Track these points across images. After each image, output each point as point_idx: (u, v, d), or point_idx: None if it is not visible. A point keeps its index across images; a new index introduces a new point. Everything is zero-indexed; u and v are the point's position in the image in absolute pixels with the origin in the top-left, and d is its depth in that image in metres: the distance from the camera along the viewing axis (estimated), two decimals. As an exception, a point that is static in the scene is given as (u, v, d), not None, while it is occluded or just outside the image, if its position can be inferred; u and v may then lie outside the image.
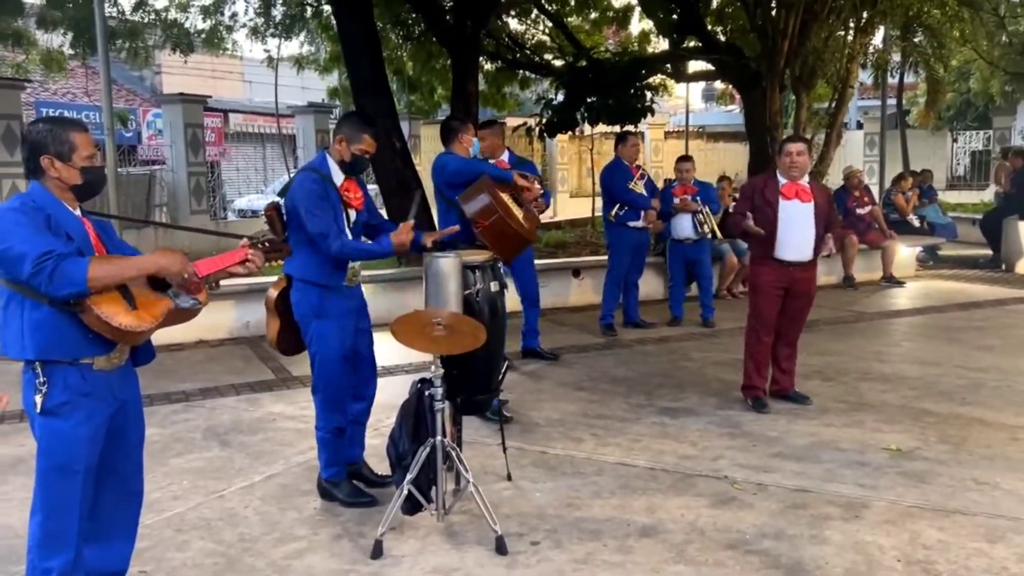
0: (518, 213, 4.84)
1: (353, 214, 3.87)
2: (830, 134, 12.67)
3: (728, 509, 3.85)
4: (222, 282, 2.94)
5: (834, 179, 13.06)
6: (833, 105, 13.05)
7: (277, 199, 3.89)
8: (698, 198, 7.96)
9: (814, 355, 6.63)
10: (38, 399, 2.52)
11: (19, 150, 11.45)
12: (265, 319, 4.00)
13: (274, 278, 4.17)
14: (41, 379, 2.52)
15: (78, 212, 2.67)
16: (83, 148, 2.62)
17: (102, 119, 9.55)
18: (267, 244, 3.00)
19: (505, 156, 6.15)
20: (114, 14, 11.27)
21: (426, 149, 18.47)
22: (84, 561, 2.70)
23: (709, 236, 8.04)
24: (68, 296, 2.43)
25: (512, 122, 18.07)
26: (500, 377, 4.13)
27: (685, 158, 8.16)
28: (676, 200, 7.92)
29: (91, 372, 2.59)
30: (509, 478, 4.18)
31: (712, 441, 4.79)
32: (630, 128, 10.31)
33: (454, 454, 3.62)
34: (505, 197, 4.90)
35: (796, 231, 5.27)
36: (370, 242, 3.86)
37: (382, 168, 9.76)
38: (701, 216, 7.92)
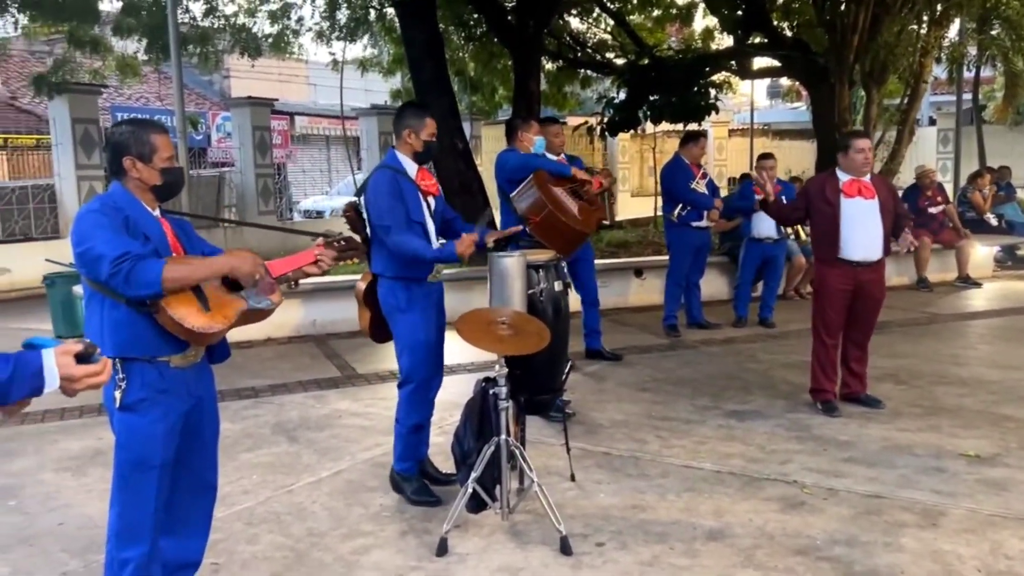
0: (572, 206, 4.84)
1: (432, 201, 3.94)
2: (902, 131, 12.31)
3: (797, 514, 3.76)
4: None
5: (906, 177, 12.68)
6: (905, 101, 12.66)
7: (355, 199, 3.96)
8: (782, 197, 7.74)
9: (886, 358, 6.44)
10: (117, 395, 2.60)
11: (96, 153, 11.92)
12: (357, 309, 4.12)
13: (356, 276, 4.29)
14: (120, 375, 2.59)
15: (157, 212, 2.74)
16: (163, 150, 2.69)
17: (174, 122, 9.84)
18: (342, 243, 3.06)
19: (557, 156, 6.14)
20: (186, 20, 11.55)
21: (487, 150, 18.52)
22: (160, 552, 2.77)
23: (791, 236, 7.85)
24: (143, 297, 2.49)
25: (573, 121, 18.02)
26: (563, 377, 4.12)
27: (767, 155, 7.93)
28: (757, 199, 7.72)
29: (168, 369, 2.66)
30: (573, 478, 4.16)
31: (780, 444, 4.69)
32: (697, 128, 10.14)
33: (518, 453, 3.62)
34: (560, 191, 4.90)
35: (861, 229, 5.12)
36: (437, 249, 3.87)
37: (444, 169, 9.82)
38: None
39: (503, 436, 3.48)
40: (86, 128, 12.00)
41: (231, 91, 22.09)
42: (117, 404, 2.61)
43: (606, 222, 6.32)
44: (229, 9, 12.63)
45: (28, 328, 8.62)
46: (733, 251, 8.90)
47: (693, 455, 4.52)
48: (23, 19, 11.30)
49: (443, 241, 3.93)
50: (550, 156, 5.95)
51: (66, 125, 11.89)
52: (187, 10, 11.59)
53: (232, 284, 2.72)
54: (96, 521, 3.74)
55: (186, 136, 9.66)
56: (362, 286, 4.05)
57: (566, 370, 4.09)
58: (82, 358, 1.82)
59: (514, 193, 4.87)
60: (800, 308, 8.41)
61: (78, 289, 7.60)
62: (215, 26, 12.32)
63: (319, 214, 18.91)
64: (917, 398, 5.52)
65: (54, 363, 1.78)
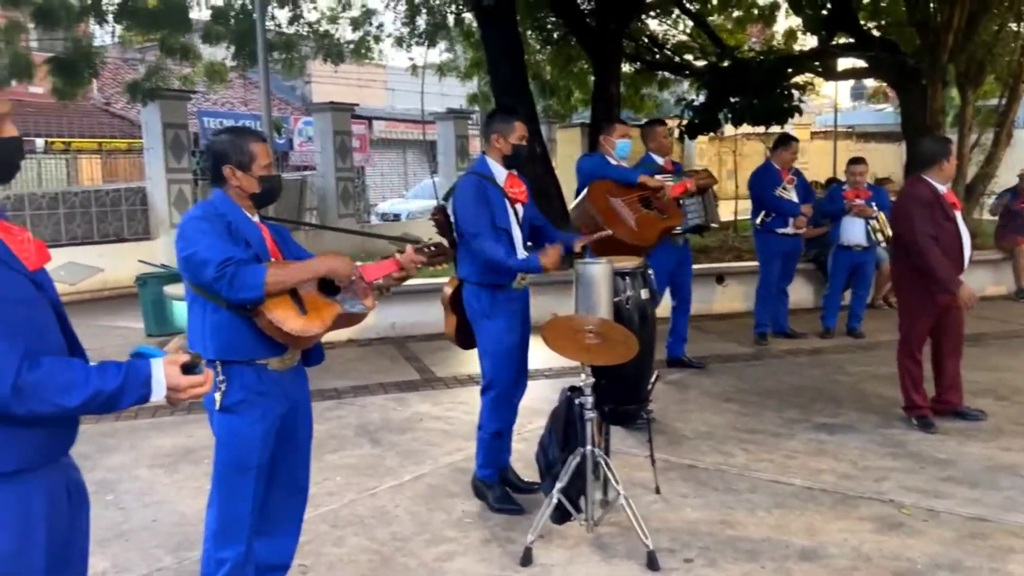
0: (630, 217, 4.74)
1: (520, 208, 3.92)
2: (999, 133, 11.78)
3: (896, 535, 3.61)
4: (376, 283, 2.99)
5: (1004, 180, 12.12)
6: (1003, 102, 12.12)
7: (443, 203, 3.98)
8: (872, 203, 7.46)
9: (983, 371, 6.15)
10: (217, 396, 2.65)
11: (185, 157, 12.31)
12: (441, 320, 4.15)
13: (436, 280, 4.30)
14: (220, 378, 2.65)
15: (256, 218, 2.79)
16: (262, 158, 2.75)
17: (260, 127, 10.09)
18: (432, 248, 3.08)
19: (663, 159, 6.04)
20: (271, 27, 11.86)
21: (562, 153, 18.49)
22: (254, 553, 2.82)
23: (883, 244, 7.57)
24: (245, 301, 2.54)
25: (651, 124, 17.81)
26: (649, 387, 4.04)
27: (857, 160, 7.66)
28: (845, 203, 7.47)
29: (266, 372, 2.70)
30: (658, 491, 4.08)
31: (874, 461, 4.51)
32: (788, 132, 9.90)
33: (604, 464, 3.56)
34: (621, 201, 4.81)
35: (966, 243, 4.91)
36: (519, 255, 3.85)
37: (521, 173, 9.79)
38: (876, 223, 7.42)
39: (588, 447, 3.42)
40: (176, 133, 12.41)
41: (312, 96, 22.60)
42: (217, 406, 2.67)
43: (714, 224, 6.14)
44: (313, 16, 12.85)
45: (120, 326, 8.95)
46: (819, 258, 8.65)
47: (782, 470, 4.39)
48: (119, 28, 11.77)
49: (527, 253, 3.91)
50: (656, 157, 5.90)
51: (157, 130, 12.31)
52: (273, 17, 11.89)
53: (327, 289, 2.76)
54: (188, 518, 3.83)
55: (272, 140, 9.88)
56: (448, 291, 4.06)
57: (652, 380, 4.01)
58: (187, 369, 1.87)
59: (574, 205, 4.85)
60: (890, 318, 8.05)
61: (169, 289, 7.85)
62: (299, 33, 12.61)
63: (395, 217, 19.16)
64: (1020, 415, 5.25)
65: (162, 373, 1.83)
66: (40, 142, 16.06)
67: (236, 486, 2.72)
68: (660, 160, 5.95)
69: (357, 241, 13.08)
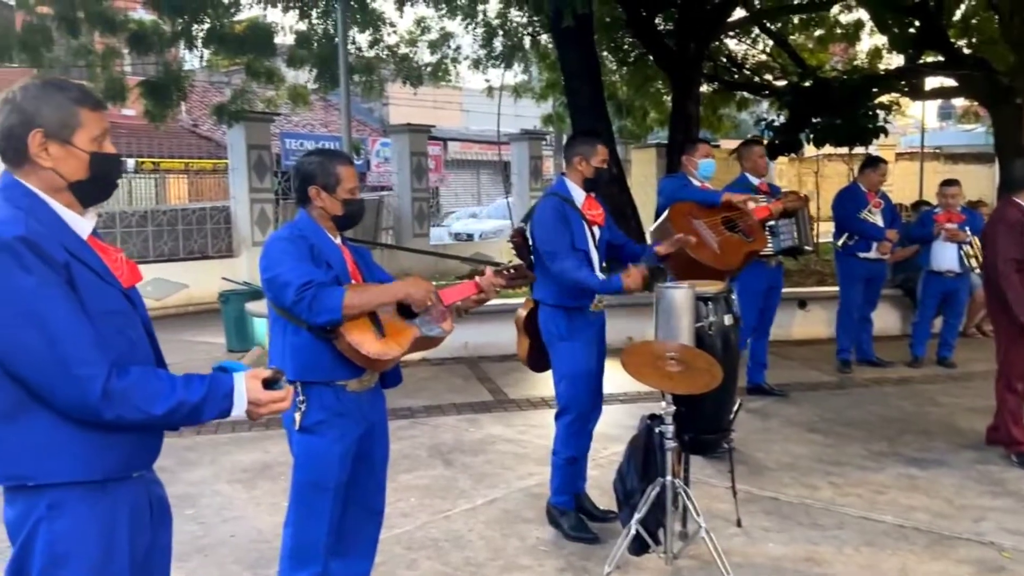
0: (712, 241, 4.59)
1: (597, 231, 3.88)
2: (1100, 154, 11.16)
3: (997, 581, 3.39)
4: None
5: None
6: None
7: (521, 225, 3.95)
8: (966, 227, 7.13)
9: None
10: (297, 416, 2.66)
11: (268, 177, 12.64)
12: (514, 341, 4.10)
13: (510, 301, 4.27)
14: (300, 398, 2.66)
15: (338, 240, 2.81)
16: (347, 181, 2.76)
17: (339, 148, 10.28)
18: (511, 271, 3.05)
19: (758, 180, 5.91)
20: (352, 51, 12.09)
21: (637, 174, 18.35)
22: (329, 574, 2.81)
23: (976, 269, 7.22)
24: (324, 323, 2.55)
25: (728, 144, 17.56)
26: (731, 416, 3.91)
27: (951, 182, 7.32)
28: (936, 226, 7.17)
29: (344, 393, 2.71)
30: (739, 524, 3.94)
31: (971, 499, 4.27)
32: (874, 152, 9.62)
33: (684, 495, 3.45)
34: (703, 223, 4.66)
35: None
36: (600, 275, 3.79)
37: (598, 194, 9.74)
38: (970, 248, 7.09)
39: (668, 477, 3.32)
40: (259, 154, 12.76)
41: (390, 118, 23.00)
42: (297, 426, 2.69)
43: (808, 248, 5.95)
44: (392, 40, 13.07)
45: (204, 341, 9.19)
46: (907, 284, 8.32)
47: (871, 505, 4.19)
48: (207, 53, 12.18)
49: (604, 275, 3.84)
50: (751, 178, 5.78)
51: (241, 151, 12.68)
52: (354, 41, 12.12)
53: (406, 311, 2.75)
54: (265, 535, 3.86)
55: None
56: (523, 313, 4.02)
57: (734, 409, 3.88)
58: (268, 384, 1.88)
59: (652, 227, 4.74)
60: (985, 347, 7.71)
61: (250, 306, 8.03)
62: (379, 56, 12.83)
63: (469, 237, 19.30)
64: None
65: (244, 387, 1.84)
66: (131, 162, 16.71)
67: (313, 506, 2.72)
68: (755, 181, 5.83)
69: (430, 260, 13.22)
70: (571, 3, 6.11)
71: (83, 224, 1.84)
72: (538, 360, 4.01)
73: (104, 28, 10.39)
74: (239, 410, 1.85)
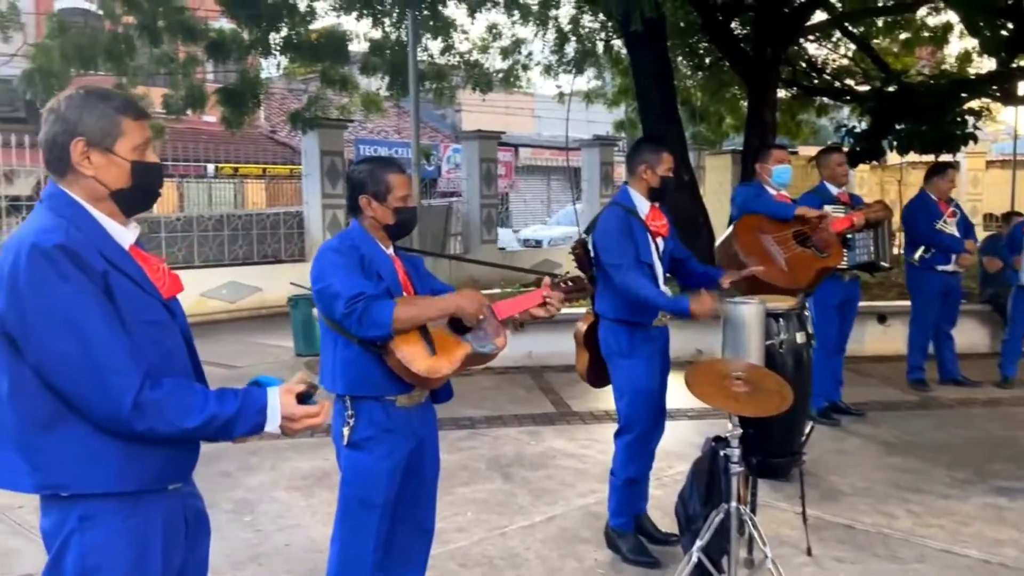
0: (780, 258, 4.34)
1: (661, 242, 3.73)
2: None
3: (1096, 628, 3.12)
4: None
5: None
6: None
7: (584, 236, 3.83)
8: None
9: None
10: (345, 431, 2.61)
11: (340, 183, 12.81)
12: (574, 353, 3.97)
13: (576, 310, 4.15)
14: (349, 412, 2.61)
15: (390, 251, 2.75)
16: (398, 189, 2.70)
17: (410, 155, 10.34)
18: (569, 283, 2.95)
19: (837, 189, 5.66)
20: (424, 58, 12.16)
21: (711, 180, 17.99)
22: (377, 592, 2.74)
23: None
24: (374, 338, 2.50)
25: (807, 151, 17.05)
26: (803, 439, 3.72)
27: None
28: None
29: (394, 409, 2.64)
30: (809, 552, 3.73)
31: (1066, 535, 3.96)
32: (947, 158, 9.17)
33: (749, 522, 3.27)
34: (771, 239, 4.42)
35: None
36: (667, 291, 3.63)
37: (669, 202, 9.53)
38: None
39: (733, 503, 3.15)
40: (332, 160, 12.94)
41: (462, 124, 23.13)
42: (345, 441, 2.64)
43: (884, 264, 5.65)
44: (464, 47, 13.12)
45: (273, 344, 9.33)
46: (996, 299, 7.88)
47: (954, 538, 3.92)
48: (284, 61, 12.42)
49: (667, 288, 3.70)
50: (830, 187, 5.55)
51: (315, 157, 12.89)
52: (426, 48, 12.19)
53: (458, 325, 2.67)
54: (319, 545, 3.83)
55: (420, 168, 10.09)
56: (582, 327, 3.89)
57: (806, 431, 3.69)
58: (303, 398, 1.84)
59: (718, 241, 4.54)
60: (1081, 368, 7.27)
61: (317, 311, 8.11)
62: (450, 63, 12.88)
63: (537, 243, 19.23)
64: None
65: (277, 402, 1.82)
66: (211, 167, 17.17)
67: (360, 523, 2.66)
68: (835, 190, 5.58)
69: (502, 259, 13.18)
70: (639, 6, 5.96)
71: (125, 234, 1.84)
72: (598, 375, 3.89)
73: (185, 37, 10.67)
74: (272, 425, 1.82)
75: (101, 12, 10.36)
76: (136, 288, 1.78)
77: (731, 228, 4.47)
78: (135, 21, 9.86)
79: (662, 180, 3.70)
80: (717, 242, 4.51)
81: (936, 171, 6.80)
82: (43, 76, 8.82)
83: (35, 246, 1.66)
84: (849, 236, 5.18)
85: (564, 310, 7.19)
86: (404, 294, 2.65)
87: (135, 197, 1.85)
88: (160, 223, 12.07)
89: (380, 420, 2.63)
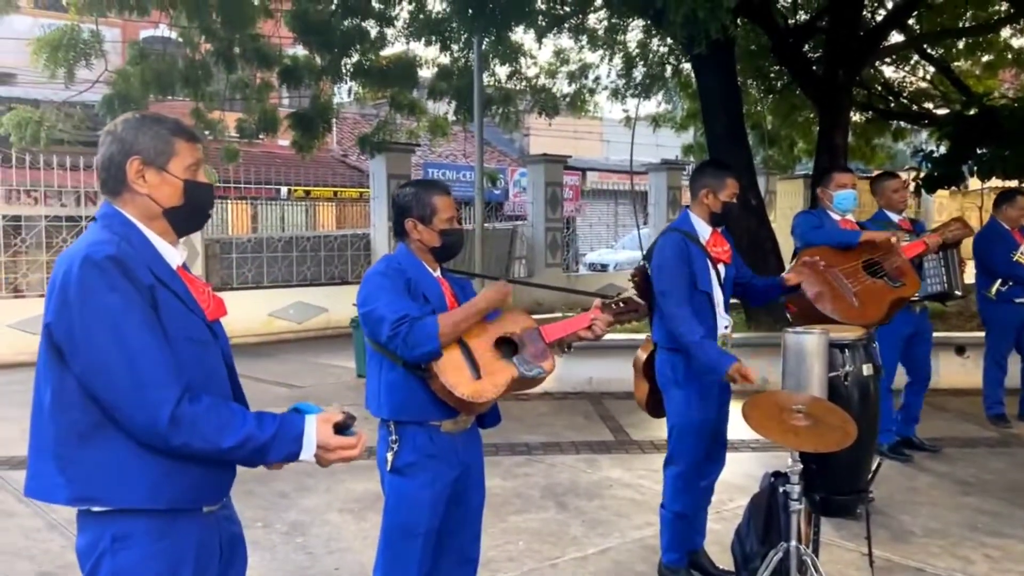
0: (849, 292, 4.12)
1: (723, 269, 3.62)
2: None
3: None
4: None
5: None
6: None
7: (644, 263, 3.74)
8: None
9: None
10: (389, 456, 2.59)
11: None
12: (633, 380, 3.89)
13: (637, 336, 4.06)
14: (393, 437, 2.59)
15: (437, 273, 2.74)
16: (443, 211, 2.68)
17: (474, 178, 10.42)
18: (621, 304, 2.87)
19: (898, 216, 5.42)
20: (491, 83, 12.25)
21: (781, 205, 17.65)
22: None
23: None
24: (422, 357, 2.47)
25: (882, 177, 16.58)
26: (870, 476, 3.54)
27: None
28: None
29: (438, 434, 2.61)
30: (876, 597, 3.55)
31: None
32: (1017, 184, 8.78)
33: (810, 563, 3.12)
34: (840, 271, 4.20)
35: None
36: (707, 344, 3.42)
37: (736, 226, 9.31)
38: None
39: (792, 543, 3.01)
40: (399, 183, 13.11)
41: (530, 148, 23.23)
42: (388, 466, 2.62)
43: (958, 293, 5.39)
44: (531, 71, 13.17)
45: (337, 365, 9.43)
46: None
47: (1035, 588, 3.68)
48: (355, 86, 12.67)
49: (728, 317, 3.59)
50: (890, 214, 5.34)
51: (382, 180, 13.09)
52: (493, 73, 12.28)
53: (505, 348, 2.62)
54: (367, 570, 3.77)
55: (483, 191, 10.13)
56: (642, 356, 3.80)
57: (874, 467, 3.51)
58: (340, 429, 1.82)
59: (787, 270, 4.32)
60: None
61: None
62: (517, 88, 12.94)
63: (603, 267, 19.09)
64: None
65: (314, 431, 1.79)
66: (284, 190, 17.61)
67: (402, 552, 2.62)
68: (895, 217, 5.36)
69: (567, 283, 13.11)
70: (705, 29, 5.87)
71: (174, 254, 1.89)
72: (658, 405, 3.78)
73: (260, 63, 10.98)
74: (308, 454, 1.80)
75: (181, 40, 10.74)
76: (181, 305, 1.80)
77: (794, 262, 4.28)
78: (212, 48, 10.19)
79: (724, 205, 3.60)
80: (787, 269, 4.31)
81: (1005, 198, 6.50)
82: (122, 101, 9.15)
83: (87, 257, 1.70)
84: (920, 265, 4.94)
85: (624, 336, 7.06)
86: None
87: (187, 216, 1.90)
88: (232, 244, 12.40)
89: (424, 446, 2.59)
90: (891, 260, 4.38)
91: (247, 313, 11.09)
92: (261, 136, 12.17)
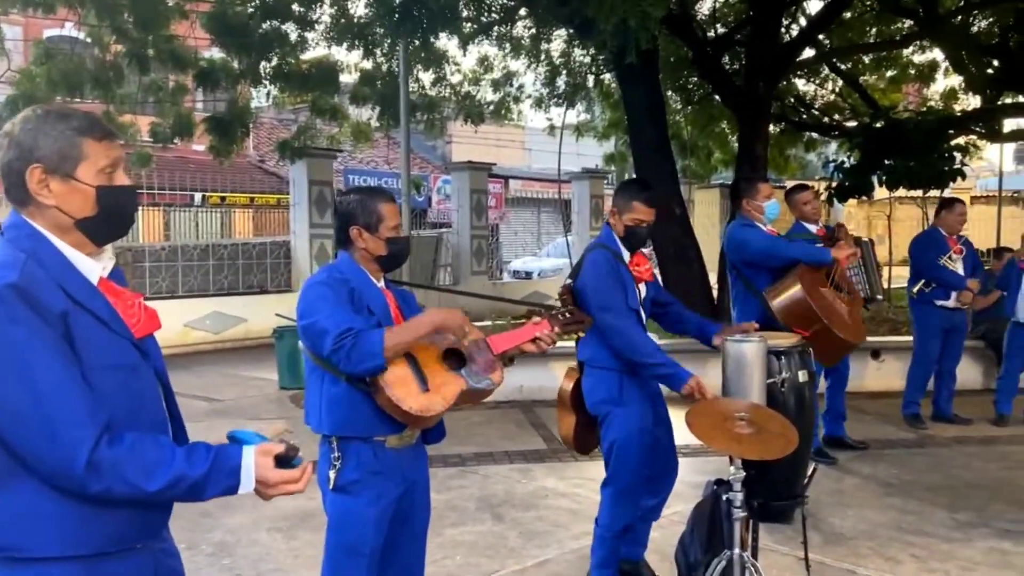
0: (843, 309, 4.15)
1: (643, 288, 3.60)
2: None
3: None
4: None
5: None
6: None
7: (570, 281, 3.65)
8: None
9: None
10: (331, 474, 2.48)
11: (328, 213, 12.72)
12: (558, 412, 3.73)
13: (567, 344, 3.98)
14: (336, 454, 2.48)
15: (381, 284, 2.64)
16: (389, 219, 2.60)
17: (399, 185, 10.27)
18: (567, 315, 2.84)
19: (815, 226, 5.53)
20: (415, 89, 12.13)
21: (700, 214, 18.03)
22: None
23: None
24: (366, 372, 2.37)
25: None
26: (806, 481, 3.59)
27: None
28: None
29: (383, 450, 2.51)
30: (813, 600, 3.60)
31: (1075, 582, 3.85)
32: (949, 195, 9.16)
33: (752, 569, 3.14)
34: (826, 291, 4.23)
35: None
36: (663, 356, 3.41)
37: (661, 235, 9.48)
38: None
39: (736, 550, 3.02)
40: (320, 190, 12.86)
41: (452, 155, 23.14)
42: (331, 485, 2.50)
43: (879, 297, 5.55)
44: (455, 79, 13.09)
45: (258, 377, 9.14)
46: (989, 335, 7.82)
47: (960, 585, 3.80)
48: (274, 90, 12.36)
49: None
50: (807, 225, 5.43)
51: (303, 186, 12.80)
52: (417, 79, 12.16)
53: (452, 360, 2.54)
54: (302, 591, 3.66)
55: (410, 199, 10.00)
56: (568, 386, 3.62)
57: (809, 473, 3.56)
58: (282, 461, 1.66)
59: (768, 291, 4.25)
60: (1077, 406, 7.20)
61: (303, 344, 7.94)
62: (441, 95, 12.85)
63: (527, 275, 19.13)
64: None
65: (252, 463, 1.64)
66: (198, 196, 17.07)
67: (348, 571, 2.52)
68: (812, 228, 5.49)
69: (492, 290, 13.06)
70: (636, 39, 5.92)
71: (94, 267, 1.67)
72: (586, 439, 3.63)
73: (174, 65, 10.60)
74: (247, 487, 1.65)
75: (89, 40, 10.28)
76: (103, 329, 1.62)
77: (792, 274, 4.22)
78: (124, 49, 9.78)
79: (627, 229, 3.50)
80: (778, 300, 4.13)
81: (945, 205, 6.78)
82: (27, 102, 8.68)
83: None
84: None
85: (559, 345, 6.98)
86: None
87: (105, 225, 1.68)
88: (145, 252, 11.92)
89: (368, 462, 2.49)
90: (840, 272, 4.45)
91: (161, 324, 10.66)
92: (176, 140, 11.75)
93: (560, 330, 2.83)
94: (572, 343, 3.82)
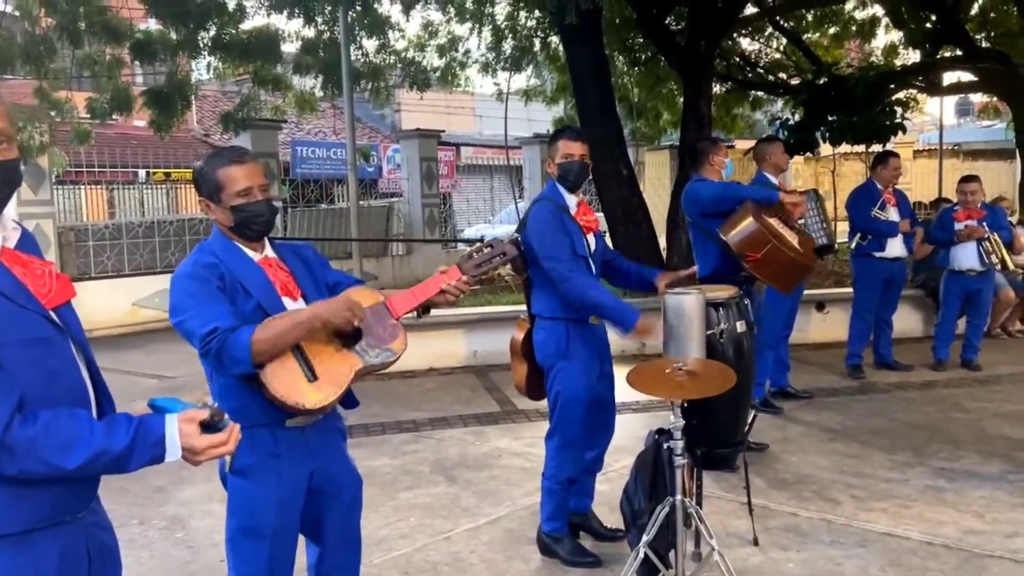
0: (791, 237, 4.30)
1: (592, 240, 3.63)
2: None
3: (1035, 604, 3.16)
4: (451, 311, 2.71)
5: None
6: None
7: (516, 235, 3.68)
8: (985, 223, 6.88)
9: None
10: (227, 458, 2.28)
11: (275, 185, 12.54)
12: (511, 362, 3.81)
13: (520, 307, 4.02)
14: None
15: (263, 254, 2.44)
16: (232, 184, 2.33)
17: (345, 155, 10.16)
18: (485, 250, 2.65)
19: (776, 178, 5.62)
20: (359, 57, 11.94)
21: (650, 176, 18.14)
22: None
23: (997, 267, 6.99)
24: (239, 374, 2.24)
25: (743, 145, 17.30)
26: (746, 428, 3.71)
27: (970, 178, 7.10)
28: (960, 226, 6.93)
29: (283, 431, 2.37)
30: (756, 543, 3.72)
31: (1003, 513, 4.03)
32: (891, 149, 9.35)
33: (695, 515, 3.24)
34: (773, 221, 4.37)
35: None
36: (611, 297, 3.47)
37: (609, 197, 9.56)
38: (988, 244, 6.86)
39: (678, 496, 3.11)
40: (267, 161, 12.65)
41: (402, 124, 22.90)
42: (227, 468, 2.38)
43: (836, 247, 5.71)
44: (400, 45, 12.91)
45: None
46: (928, 283, 8.07)
47: (896, 521, 3.96)
48: (214, 61, 12.07)
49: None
50: (770, 178, 5.52)
51: (249, 159, 12.56)
52: (360, 47, 11.97)
53: (346, 334, 2.34)
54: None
55: (357, 168, 9.90)
56: (519, 336, 3.70)
57: (749, 420, 3.67)
58: (207, 427, 1.66)
59: (721, 227, 4.35)
60: (1010, 349, 7.51)
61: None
62: (386, 62, 12.68)
63: (480, 240, 19.12)
64: None
65: (176, 432, 1.63)
66: (142, 173, 16.68)
67: (249, 556, 2.40)
68: (775, 180, 5.58)
69: (444, 258, 13.04)
70: None
71: None
72: (538, 386, 3.70)
73: (109, 38, 10.28)
74: (173, 455, 1.63)
75: (17, 13, 9.92)
76: (8, 304, 1.56)
77: (742, 207, 4.30)
78: (54, 22, 9.46)
79: (560, 168, 3.56)
80: (731, 232, 4.23)
81: (880, 160, 6.91)
82: (-45, 80, 8.41)
83: None
84: (803, 222, 5.20)
85: (507, 308, 7.02)
86: (284, 303, 2.36)
87: None
88: (88, 231, 11.65)
89: (267, 445, 2.35)
90: (790, 219, 4.56)
91: (108, 303, 10.47)
92: (115, 116, 11.43)
93: (474, 273, 2.61)
94: (525, 306, 3.86)
